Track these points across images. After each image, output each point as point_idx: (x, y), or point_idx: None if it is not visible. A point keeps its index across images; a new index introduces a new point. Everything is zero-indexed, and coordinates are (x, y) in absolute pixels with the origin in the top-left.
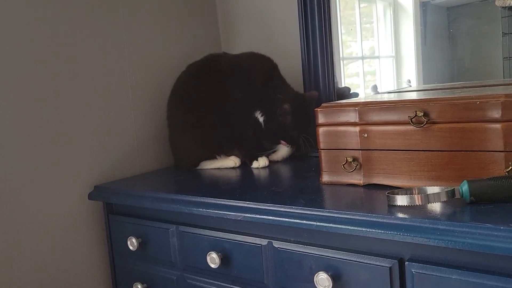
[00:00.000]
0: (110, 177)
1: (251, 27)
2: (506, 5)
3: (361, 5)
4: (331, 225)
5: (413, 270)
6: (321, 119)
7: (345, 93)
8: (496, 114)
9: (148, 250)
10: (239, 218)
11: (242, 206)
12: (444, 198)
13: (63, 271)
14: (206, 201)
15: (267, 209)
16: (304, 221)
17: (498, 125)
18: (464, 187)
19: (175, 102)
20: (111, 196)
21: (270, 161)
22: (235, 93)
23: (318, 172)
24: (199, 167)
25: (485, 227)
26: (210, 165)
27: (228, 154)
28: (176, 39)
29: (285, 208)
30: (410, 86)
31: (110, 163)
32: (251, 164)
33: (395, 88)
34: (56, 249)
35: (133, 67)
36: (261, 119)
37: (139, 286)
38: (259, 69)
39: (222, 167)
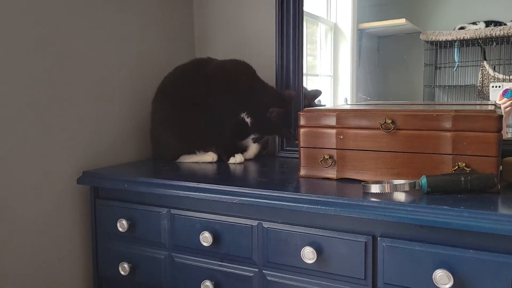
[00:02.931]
0: (93, 165)
1: (226, 33)
2: (429, 39)
3: (308, 26)
4: (319, 206)
5: (384, 244)
6: (302, 121)
7: (316, 94)
8: (448, 125)
9: (136, 232)
10: (234, 201)
11: (237, 191)
12: (407, 188)
13: (47, 253)
14: (203, 186)
15: (260, 193)
16: (294, 204)
17: (448, 134)
18: (423, 180)
19: (161, 100)
20: (102, 181)
21: None
22: (219, 94)
23: (291, 168)
24: (178, 160)
25: (442, 208)
26: (189, 159)
27: (206, 150)
28: (156, 40)
29: (276, 193)
30: (348, 104)
31: (94, 152)
32: (228, 160)
33: (332, 105)
34: (43, 232)
35: (118, 64)
36: (248, 120)
37: (126, 266)
38: (243, 74)
39: (200, 162)
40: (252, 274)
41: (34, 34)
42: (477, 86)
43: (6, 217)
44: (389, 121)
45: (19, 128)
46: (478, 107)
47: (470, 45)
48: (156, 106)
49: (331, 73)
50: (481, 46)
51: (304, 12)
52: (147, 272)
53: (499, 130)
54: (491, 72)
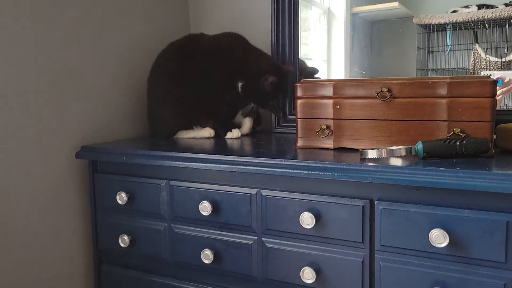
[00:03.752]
0: (91, 142)
1: (220, 9)
2: (422, 23)
3: (302, 10)
4: (317, 172)
5: (381, 207)
6: (299, 92)
7: (313, 71)
8: (443, 91)
9: (135, 205)
10: (233, 170)
11: (236, 160)
12: (403, 153)
13: (46, 227)
14: (202, 157)
15: (259, 162)
16: (293, 170)
17: (444, 100)
18: (419, 145)
19: (157, 76)
20: (101, 155)
21: None
22: (215, 68)
23: (288, 142)
24: (175, 136)
25: (438, 170)
26: (186, 135)
27: (203, 125)
28: (151, 17)
29: (276, 160)
30: None
31: (92, 129)
32: (225, 135)
33: None
34: (41, 206)
35: (115, 41)
36: (239, 85)
37: (125, 238)
38: (237, 44)
39: (197, 137)
40: (251, 242)
41: (31, 10)
42: (469, 69)
43: (5, 192)
44: (386, 90)
45: (17, 104)
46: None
47: (463, 28)
48: (152, 83)
49: (325, 58)
50: (473, 29)
51: None
52: (147, 243)
53: (494, 95)
54: (483, 55)
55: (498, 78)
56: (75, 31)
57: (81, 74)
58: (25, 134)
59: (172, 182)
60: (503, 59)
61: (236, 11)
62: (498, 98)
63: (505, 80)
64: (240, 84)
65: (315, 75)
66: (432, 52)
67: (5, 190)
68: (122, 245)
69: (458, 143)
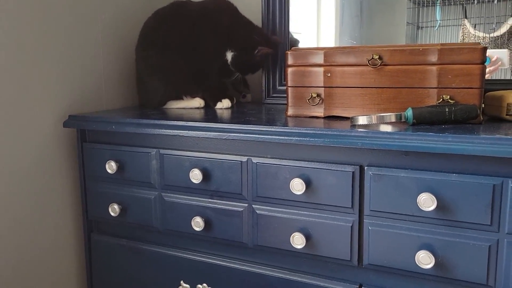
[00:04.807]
0: (79, 110)
1: None
2: None
3: None
4: (308, 138)
5: (371, 173)
6: (290, 60)
7: (295, 43)
8: (433, 58)
9: (125, 174)
10: (224, 138)
11: (227, 128)
12: (393, 119)
13: (35, 198)
14: (192, 124)
15: (250, 129)
16: (284, 137)
17: (434, 67)
18: (409, 112)
19: (144, 46)
20: (89, 124)
21: None
22: (203, 35)
23: (278, 111)
24: (165, 106)
25: (427, 135)
26: (176, 105)
27: (193, 95)
28: None
29: (266, 128)
30: None
31: (80, 98)
32: (215, 105)
33: None
34: (30, 177)
35: (101, 9)
36: (229, 56)
37: (116, 207)
38: (225, 11)
39: (187, 107)
40: (242, 209)
41: None
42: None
43: None
44: (376, 57)
45: (2, 73)
46: None
47: (452, 4)
48: (139, 52)
49: (315, 28)
50: (462, 4)
51: None
52: (137, 212)
53: (483, 62)
54: (471, 30)
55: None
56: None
57: (68, 43)
58: (11, 104)
59: (162, 151)
60: (491, 35)
61: None
62: (486, 76)
63: (493, 59)
64: (230, 55)
65: (298, 45)
66: (422, 28)
67: None
68: (112, 214)
69: (447, 110)
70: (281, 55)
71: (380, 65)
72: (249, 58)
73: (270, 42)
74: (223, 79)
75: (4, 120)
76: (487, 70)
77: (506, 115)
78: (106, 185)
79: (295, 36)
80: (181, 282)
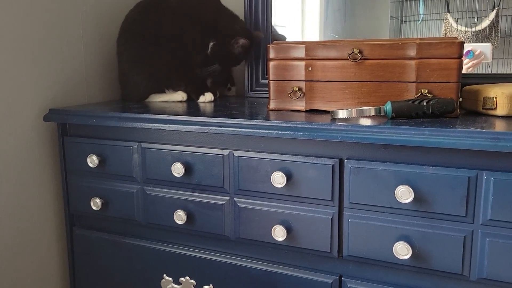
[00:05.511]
0: (60, 104)
1: None
2: None
3: None
4: (289, 132)
5: (350, 166)
6: (272, 54)
7: (282, 39)
8: (412, 53)
9: (107, 168)
10: (205, 131)
11: (208, 121)
12: (373, 113)
13: (16, 192)
14: (174, 118)
15: (231, 123)
16: (265, 131)
17: (413, 62)
18: (388, 106)
19: (126, 39)
20: (70, 118)
21: None
22: (185, 29)
23: (260, 105)
24: (147, 100)
25: (405, 128)
26: (158, 98)
27: (175, 89)
28: None
29: (248, 121)
30: None
31: (61, 92)
32: (198, 99)
33: None
34: (10, 171)
35: (85, 1)
36: (210, 45)
37: (98, 201)
38: (208, 3)
39: (170, 101)
40: (223, 202)
41: None
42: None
43: None
44: (357, 51)
45: None
46: None
47: None
48: (121, 45)
49: (299, 21)
50: None
51: None
52: (119, 206)
53: (460, 56)
54: (454, 24)
55: (469, 50)
56: None
57: (48, 35)
58: None
59: (144, 145)
60: (473, 29)
61: None
62: (469, 70)
63: (476, 53)
64: (210, 44)
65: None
66: (405, 22)
67: None
68: (94, 208)
69: (425, 103)
70: (263, 49)
71: (360, 59)
72: (227, 48)
73: (251, 35)
74: (201, 69)
75: None
76: (470, 63)
77: (482, 108)
78: (87, 179)
79: (280, 30)
80: (164, 275)
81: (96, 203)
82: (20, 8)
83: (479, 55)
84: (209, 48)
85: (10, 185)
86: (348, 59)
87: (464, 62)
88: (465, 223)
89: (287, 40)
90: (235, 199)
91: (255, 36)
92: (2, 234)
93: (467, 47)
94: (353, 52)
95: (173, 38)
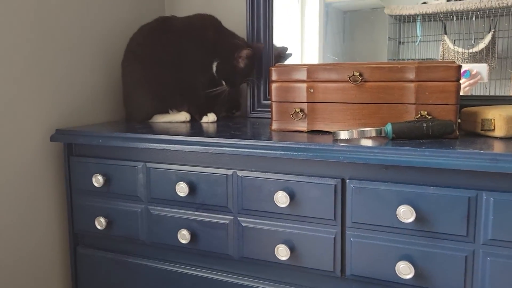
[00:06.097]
0: (66, 124)
1: None
2: (393, 13)
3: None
4: (292, 152)
5: (352, 186)
6: (274, 76)
7: (283, 51)
8: (411, 76)
9: (112, 187)
10: (209, 151)
11: (212, 142)
12: (373, 134)
13: (22, 212)
14: (179, 138)
15: (235, 143)
16: (268, 151)
17: (412, 84)
18: (388, 127)
19: (131, 61)
20: (76, 138)
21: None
22: (189, 49)
23: (263, 125)
24: (151, 120)
25: (406, 149)
26: (162, 119)
27: (179, 109)
28: (124, 3)
29: (251, 142)
30: None
31: (66, 113)
32: (201, 119)
33: None
34: (16, 191)
35: (88, 24)
36: (214, 66)
37: (102, 220)
38: (209, 24)
39: (173, 121)
40: (227, 222)
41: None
42: (438, 60)
43: None
44: (357, 74)
45: None
46: None
47: (432, 20)
48: (126, 67)
49: (299, 45)
50: (442, 21)
51: None
52: (124, 225)
53: (458, 79)
54: (451, 46)
55: (466, 70)
56: (48, 13)
57: (56, 57)
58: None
59: (149, 164)
60: (470, 50)
61: None
62: (465, 89)
63: (473, 72)
64: (215, 64)
65: (286, 52)
66: (403, 42)
67: None
68: (98, 227)
69: (425, 125)
70: (265, 70)
71: (360, 81)
72: (232, 64)
73: (252, 47)
74: (210, 92)
75: None
76: (467, 83)
77: (481, 130)
78: (92, 198)
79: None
80: None
81: (100, 223)
82: (28, 30)
83: (475, 75)
84: (214, 68)
85: (15, 204)
86: (348, 82)
87: (461, 81)
88: (466, 243)
89: (288, 51)
90: (238, 218)
91: (256, 47)
92: (5, 251)
93: (464, 67)
94: (353, 74)
95: (176, 60)
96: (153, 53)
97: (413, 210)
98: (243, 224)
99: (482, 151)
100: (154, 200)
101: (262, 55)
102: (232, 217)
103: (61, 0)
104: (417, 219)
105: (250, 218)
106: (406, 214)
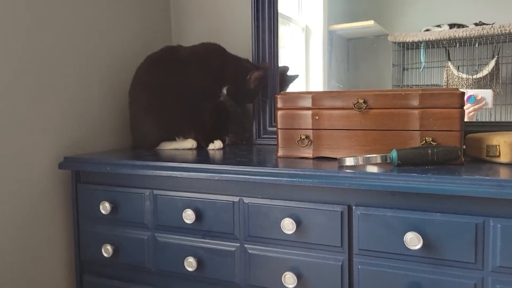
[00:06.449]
0: (74, 151)
1: (202, 21)
2: (397, 40)
3: (280, 26)
4: (298, 179)
5: (358, 212)
6: (280, 104)
7: (285, 71)
8: (415, 102)
9: (119, 214)
10: (216, 178)
11: (219, 169)
12: (379, 161)
13: (29, 238)
14: (185, 166)
15: (241, 170)
16: (274, 178)
17: (416, 111)
18: (394, 153)
19: (138, 90)
20: (84, 165)
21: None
22: (195, 79)
23: (268, 152)
24: (158, 147)
25: (411, 176)
26: (169, 146)
27: (185, 136)
28: (134, 30)
29: (257, 168)
30: None
31: (74, 140)
32: (207, 146)
33: None
34: (24, 218)
35: (97, 54)
36: (225, 90)
37: (109, 248)
38: (214, 51)
39: (180, 148)
40: (234, 249)
41: (15, 27)
42: (442, 86)
43: None
44: (362, 101)
45: (0, 115)
46: None
47: (435, 47)
48: (133, 96)
49: (303, 73)
50: (445, 48)
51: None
52: (130, 253)
53: (462, 106)
54: (455, 72)
55: (470, 95)
56: (58, 43)
57: (64, 85)
58: (7, 146)
59: (155, 191)
60: (475, 76)
61: (217, 23)
62: (470, 115)
63: (477, 98)
64: (225, 89)
65: (288, 73)
66: (407, 69)
67: None
68: (105, 255)
69: (430, 151)
70: (270, 98)
71: (365, 108)
72: (244, 86)
73: (259, 68)
74: (222, 119)
75: (1, 162)
76: (472, 108)
77: (486, 156)
78: (99, 225)
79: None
80: None
81: (107, 250)
82: (37, 60)
83: (480, 101)
84: (225, 92)
85: (23, 231)
86: (353, 109)
87: (466, 107)
88: (475, 270)
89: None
90: (245, 245)
91: (263, 67)
92: (12, 278)
93: (469, 92)
94: (358, 102)
95: (182, 88)
96: (159, 82)
97: (420, 237)
98: (249, 251)
99: (488, 177)
100: (160, 227)
101: (268, 74)
102: (238, 244)
103: (68, 30)
104: (424, 245)
105: (257, 245)
106: (413, 240)
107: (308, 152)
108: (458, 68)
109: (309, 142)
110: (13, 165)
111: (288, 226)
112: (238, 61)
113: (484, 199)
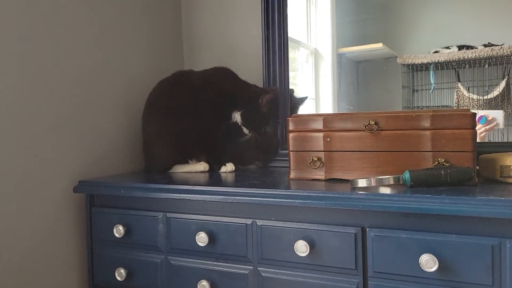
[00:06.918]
0: (88, 175)
1: (214, 46)
2: (406, 62)
3: (289, 50)
4: (310, 201)
5: (372, 234)
6: (291, 126)
7: (290, 94)
8: (427, 124)
9: (132, 238)
10: (229, 201)
11: (231, 191)
12: (392, 182)
13: (43, 262)
14: (198, 188)
15: (254, 192)
16: (287, 200)
17: (427, 132)
18: (406, 174)
19: (150, 113)
20: (99, 189)
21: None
22: (206, 103)
23: (281, 174)
24: (171, 170)
25: (425, 197)
26: (181, 169)
27: (198, 159)
28: (147, 55)
29: (270, 191)
30: None
31: (88, 164)
32: (219, 169)
33: None
34: (39, 241)
35: (111, 79)
36: (238, 116)
37: (122, 271)
38: (226, 76)
39: (193, 171)
40: (247, 272)
41: (31, 49)
42: (453, 107)
43: (2, 226)
44: (373, 123)
45: (16, 139)
46: None
47: (445, 68)
48: (146, 120)
49: (313, 95)
50: (455, 69)
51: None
52: (143, 276)
53: (473, 127)
54: (465, 93)
55: (481, 116)
56: (73, 68)
57: (79, 110)
58: (23, 170)
59: (169, 214)
60: (485, 97)
61: (228, 48)
62: (482, 135)
63: (489, 118)
64: (238, 114)
65: (294, 94)
66: (417, 90)
67: (2, 224)
68: (118, 278)
69: (443, 172)
70: (282, 120)
71: (376, 130)
72: (257, 109)
73: (268, 91)
74: (236, 141)
75: (17, 186)
76: (483, 129)
77: (500, 176)
78: (113, 249)
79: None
80: None
81: (120, 274)
82: (51, 85)
83: (491, 121)
84: (239, 118)
85: (37, 254)
86: (364, 130)
87: (477, 127)
88: None
89: (308, 105)
90: (258, 268)
91: (272, 89)
92: None
93: (480, 113)
94: (369, 123)
95: (194, 112)
96: (172, 106)
97: (436, 259)
98: (263, 274)
99: (503, 198)
100: (173, 250)
101: (278, 97)
102: (252, 267)
103: (86, 58)
104: (440, 268)
105: (270, 268)
106: (429, 263)
107: (320, 174)
108: (468, 89)
109: (321, 164)
110: (29, 189)
111: (301, 248)
112: (248, 86)
113: (499, 220)
